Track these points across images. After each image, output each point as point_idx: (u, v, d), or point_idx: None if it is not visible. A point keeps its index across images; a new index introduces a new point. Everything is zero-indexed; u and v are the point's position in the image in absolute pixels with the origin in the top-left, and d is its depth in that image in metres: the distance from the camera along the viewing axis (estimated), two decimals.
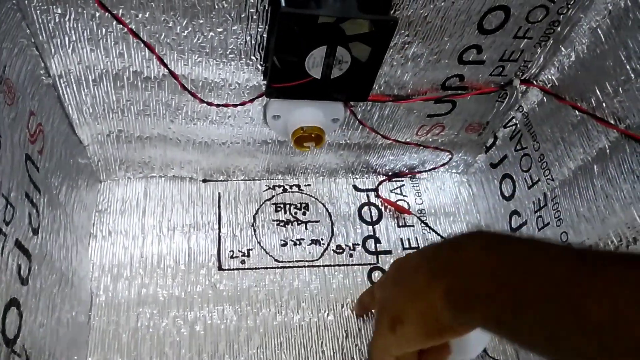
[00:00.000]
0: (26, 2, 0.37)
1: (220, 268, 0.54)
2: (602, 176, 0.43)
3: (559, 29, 0.45)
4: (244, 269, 0.54)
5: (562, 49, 0.47)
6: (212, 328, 0.50)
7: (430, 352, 0.39)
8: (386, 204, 0.61)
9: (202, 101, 0.46)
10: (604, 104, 0.43)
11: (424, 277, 0.33)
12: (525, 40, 0.45)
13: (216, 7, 0.38)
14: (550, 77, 0.49)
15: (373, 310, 0.52)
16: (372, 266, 0.57)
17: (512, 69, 0.48)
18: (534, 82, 0.50)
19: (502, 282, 0.27)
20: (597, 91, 0.43)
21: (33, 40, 0.39)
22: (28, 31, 0.38)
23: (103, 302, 0.50)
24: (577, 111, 0.46)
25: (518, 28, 0.44)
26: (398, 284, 0.38)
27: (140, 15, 0.38)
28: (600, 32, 0.43)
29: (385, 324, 0.37)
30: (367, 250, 0.58)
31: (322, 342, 0.51)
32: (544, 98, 0.50)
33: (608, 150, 0.43)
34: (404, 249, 0.58)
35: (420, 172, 0.63)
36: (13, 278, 0.34)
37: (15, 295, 0.34)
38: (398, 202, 0.61)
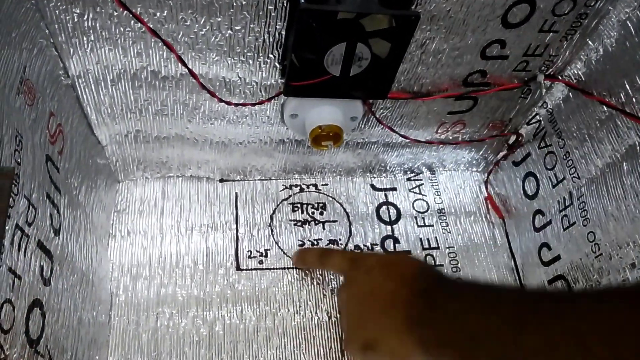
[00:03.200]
0: (45, 1, 0.37)
1: (238, 268, 0.54)
2: (632, 174, 0.42)
3: (586, 21, 0.43)
4: (262, 269, 0.54)
5: (590, 42, 0.45)
6: (231, 328, 0.50)
7: None
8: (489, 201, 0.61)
9: (220, 100, 0.45)
10: (634, 99, 0.41)
11: (401, 323, 0.37)
12: (551, 34, 0.44)
13: (234, 4, 0.38)
14: (576, 72, 0.47)
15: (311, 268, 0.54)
16: None
17: (536, 64, 0.47)
18: (559, 77, 0.49)
19: (462, 329, 0.33)
20: (627, 86, 0.42)
21: (52, 41, 0.39)
22: (47, 31, 0.38)
23: (123, 302, 0.50)
24: (605, 107, 0.44)
25: (544, 21, 0.42)
26: (369, 308, 0.41)
27: (158, 14, 0.38)
28: (630, 25, 0.41)
29: (358, 343, 0.41)
30: (385, 251, 0.57)
31: (341, 343, 0.51)
32: (570, 94, 0.49)
33: (638, 147, 0.41)
34: (424, 249, 0.57)
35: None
36: (36, 279, 0.34)
37: (39, 296, 0.34)
38: (416, 201, 0.60)
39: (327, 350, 0.50)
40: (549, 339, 0.27)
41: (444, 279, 0.38)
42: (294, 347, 0.50)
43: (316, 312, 0.52)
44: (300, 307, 0.52)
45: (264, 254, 0.55)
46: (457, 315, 0.34)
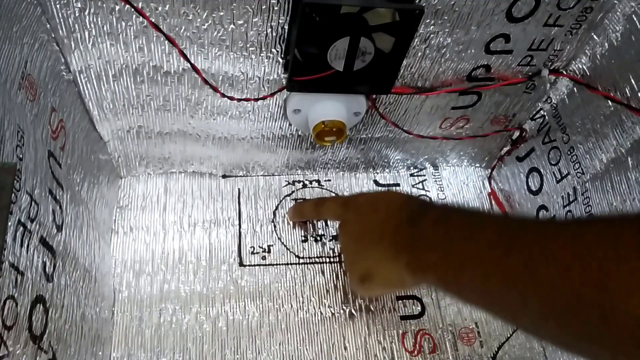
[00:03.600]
0: None
1: (241, 264, 0.53)
2: (637, 169, 0.41)
3: (591, 15, 0.43)
4: (265, 265, 0.54)
5: (595, 36, 0.45)
6: (234, 324, 0.50)
7: None
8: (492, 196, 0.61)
9: (223, 95, 0.45)
10: (639, 94, 0.41)
11: (389, 250, 0.38)
12: (556, 28, 0.44)
13: None
14: (581, 67, 0.47)
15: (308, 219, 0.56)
16: None
17: (541, 59, 0.47)
18: (564, 72, 0.48)
19: (446, 252, 0.34)
20: (632, 80, 0.41)
21: (53, 36, 0.39)
22: (48, 26, 0.38)
23: (126, 298, 0.50)
24: (610, 101, 0.44)
25: (549, 15, 0.42)
26: (363, 245, 0.42)
27: (160, 8, 0.38)
28: (635, 19, 0.41)
29: (356, 278, 0.44)
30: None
31: (344, 339, 0.51)
32: (575, 88, 0.48)
33: None
34: None
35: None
36: (39, 275, 0.33)
37: (41, 292, 0.34)
38: (421, 195, 0.60)
39: (330, 345, 0.50)
40: (530, 262, 0.27)
41: (430, 205, 0.39)
42: (297, 343, 0.50)
43: (319, 308, 0.52)
44: (303, 302, 0.52)
45: (266, 250, 0.55)
46: (442, 240, 0.34)
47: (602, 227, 0.26)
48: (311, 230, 0.56)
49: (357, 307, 0.52)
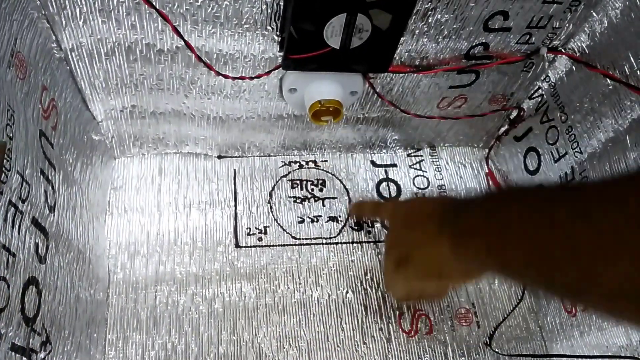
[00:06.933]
0: None
1: (237, 245, 0.53)
2: (635, 148, 0.41)
3: None
4: (261, 246, 0.54)
5: (594, 14, 0.44)
6: (230, 305, 0.50)
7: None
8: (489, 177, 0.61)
9: (218, 73, 0.44)
10: (638, 72, 0.40)
11: (434, 226, 0.37)
12: (555, 5, 0.43)
13: None
14: (580, 45, 0.46)
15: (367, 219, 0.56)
16: None
17: (539, 37, 0.46)
18: (563, 50, 0.48)
19: (493, 221, 0.32)
20: (631, 58, 0.41)
21: (44, 12, 0.38)
22: (38, 2, 0.37)
23: (121, 279, 0.50)
24: (608, 80, 0.43)
25: None
26: (409, 227, 0.42)
27: None
28: None
29: (392, 261, 0.42)
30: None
31: (341, 320, 0.51)
32: (573, 67, 0.48)
33: None
34: None
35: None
36: (31, 256, 0.33)
37: (34, 273, 0.33)
38: (416, 178, 0.60)
39: (327, 327, 0.50)
40: (572, 230, 0.25)
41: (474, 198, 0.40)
42: (293, 324, 0.50)
43: (316, 289, 0.52)
44: (299, 284, 0.52)
45: (263, 231, 0.54)
46: (488, 210, 0.34)
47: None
48: (365, 226, 0.56)
49: (354, 288, 0.52)
